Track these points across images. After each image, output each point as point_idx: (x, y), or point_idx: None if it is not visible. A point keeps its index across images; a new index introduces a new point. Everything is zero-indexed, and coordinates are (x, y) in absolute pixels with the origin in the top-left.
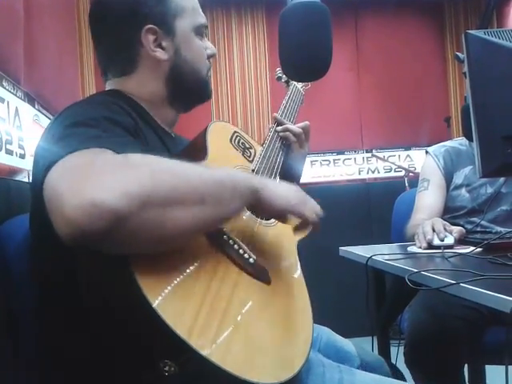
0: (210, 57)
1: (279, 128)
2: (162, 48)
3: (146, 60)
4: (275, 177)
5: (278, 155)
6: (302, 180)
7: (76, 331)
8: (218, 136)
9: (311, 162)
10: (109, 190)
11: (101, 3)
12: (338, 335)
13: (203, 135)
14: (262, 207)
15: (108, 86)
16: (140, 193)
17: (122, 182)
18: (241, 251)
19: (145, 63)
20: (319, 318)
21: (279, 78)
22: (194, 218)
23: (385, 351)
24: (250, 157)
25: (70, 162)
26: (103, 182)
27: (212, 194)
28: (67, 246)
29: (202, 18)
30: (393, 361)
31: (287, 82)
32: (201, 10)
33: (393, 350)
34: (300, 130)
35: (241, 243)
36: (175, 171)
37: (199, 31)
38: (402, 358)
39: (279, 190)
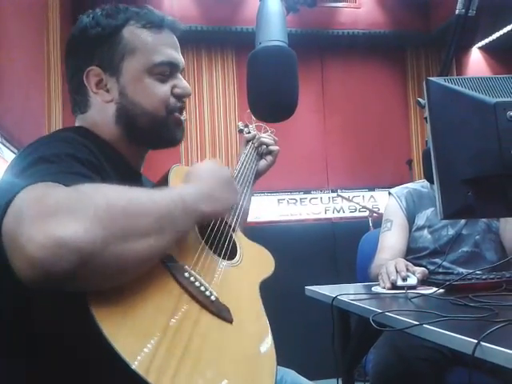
0: (178, 96)
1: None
2: (107, 89)
3: (94, 101)
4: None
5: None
6: (270, 218)
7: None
8: (180, 179)
9: (278, 200)
10: (71, 227)
11: (68, 41)
12: (302, 377)
13: (165, 178)
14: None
15: (76, 121)
16: (100, 226)
17: (81, 218)
18: (202, 288)
19: (94, 103)
20: (284, 359)
21: (241, 131)
22: (152, 245)
23: None
24: None
25: (27, 197)
26: (64, 219)
27: (166, 218)
28: (20, 285)
29: (158, 57)
30: None
31: (247, 141)
32: (167, 49)
33: None
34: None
35: (202, 280)
36: (129, 197)
37: (153, 71)
38: None
39: (220, 205)
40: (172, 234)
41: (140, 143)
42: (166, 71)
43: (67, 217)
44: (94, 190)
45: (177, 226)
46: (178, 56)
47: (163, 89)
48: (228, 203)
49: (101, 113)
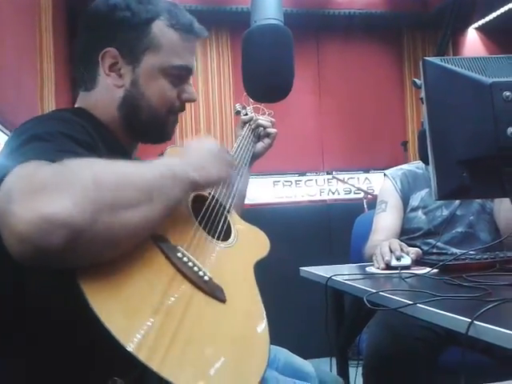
0: (185, 101)
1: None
2: (120, 74)
3: (103, 81)
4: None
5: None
6: (265, 200)
7: (13, 351)
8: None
9: (274, 182)
10: (59, 203)
11: (86, 12)
12: (296, 356)
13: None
14: (198, 190)
15: (78, 99)
16: (88, 200)
17: (69, 193)
18: (195, 268)
19: (102, 83)
20: (278, 338)
21: (238, 113)
22: (142, 216)
23: (344, 372)
24: None
25: (18, 175)
26: (52, 195)
27: (154, 187)
28: (12, 263)
29: (179, 60)
30: (351, 381)
31: (244, 123)
32: (188, 54)
33: (351, 371)
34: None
35: (195, 261)
36: (115, 170)
37: (168, 72)
38: (360, 378)
39: (211, 173)
40: (162, 204)
41: (134, 133)
42: (181, 75)
43: (54, 193)
44: (80, 164)
45: (167, 195)
46: (194, 62)
47: (173, 92)
48: (220, 173)
49: (106, 94)
